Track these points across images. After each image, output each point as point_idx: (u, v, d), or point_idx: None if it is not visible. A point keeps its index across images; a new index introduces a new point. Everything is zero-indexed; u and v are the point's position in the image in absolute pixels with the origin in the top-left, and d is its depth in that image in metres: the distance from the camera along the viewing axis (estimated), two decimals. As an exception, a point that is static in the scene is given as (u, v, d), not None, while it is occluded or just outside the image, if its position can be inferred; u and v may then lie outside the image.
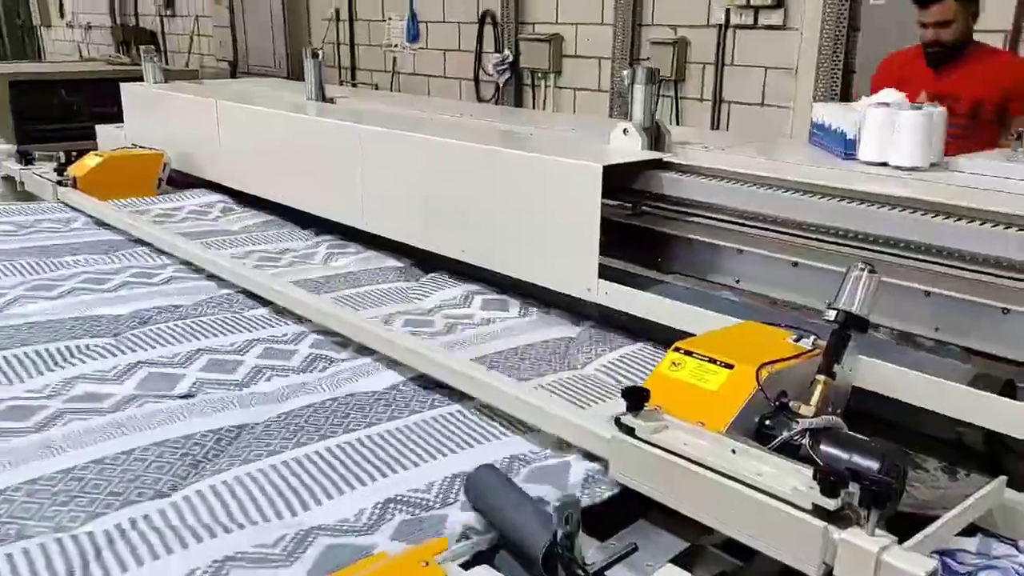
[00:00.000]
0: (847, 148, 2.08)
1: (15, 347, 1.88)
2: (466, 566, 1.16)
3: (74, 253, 2.61)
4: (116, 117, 4.16)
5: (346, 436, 1.56)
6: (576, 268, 2.04)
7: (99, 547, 1.19)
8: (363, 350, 1.98)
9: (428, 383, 1.80)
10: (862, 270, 1.44)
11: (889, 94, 2.10)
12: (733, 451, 1.25)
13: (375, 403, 1.71)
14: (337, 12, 8.57)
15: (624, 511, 1.37)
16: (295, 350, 1.97)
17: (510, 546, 1.21)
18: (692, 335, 1.63)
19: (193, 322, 2.09)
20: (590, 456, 1.46)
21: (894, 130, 1.98)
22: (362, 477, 1.43)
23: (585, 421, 1.50)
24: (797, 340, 1.51)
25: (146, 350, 1.91)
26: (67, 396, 1.69)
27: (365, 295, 2.33)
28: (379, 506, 1.32)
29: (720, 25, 5.19)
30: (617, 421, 1.37)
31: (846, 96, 4.46)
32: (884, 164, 2.00)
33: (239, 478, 1.39)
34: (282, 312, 2.20)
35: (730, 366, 1.41)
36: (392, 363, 1.89)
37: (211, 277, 2.45)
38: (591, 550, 1.25)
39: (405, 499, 1.34)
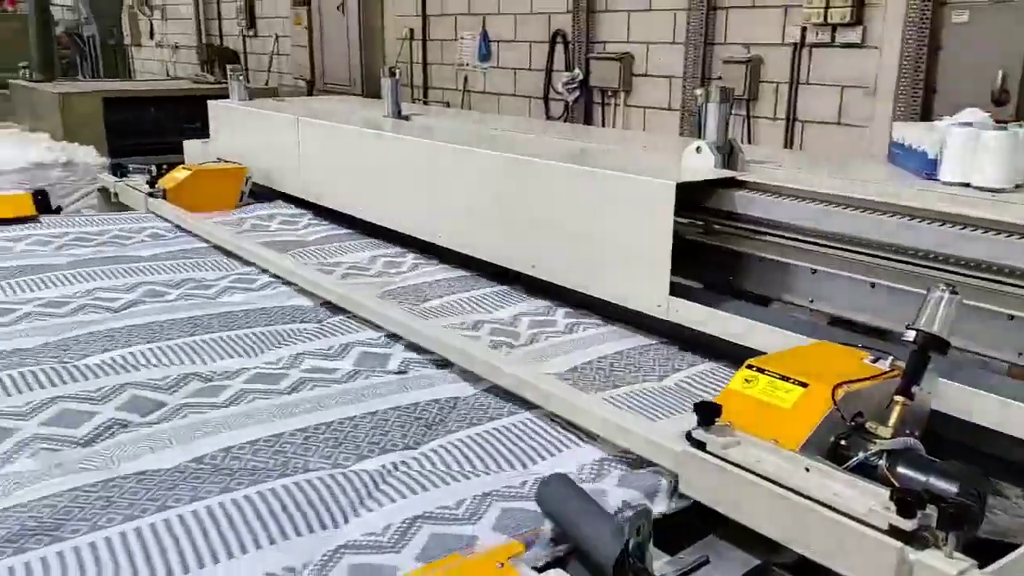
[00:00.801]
0: (928, 168, 2.05)
1: (241, 328, 2.17)
2: (540, 570, 1.18)
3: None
4: (201, 132, 4.35)
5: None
6: (647, 285, 2.06)
7: (375, 480, 1.44)
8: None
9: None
10: (943, 291, 1.41)
11: (972, 113, 2.07)
12: (807, 469, 1.25)
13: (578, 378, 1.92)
14: (411, 32, 8.77)
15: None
16: (477, 336, 2.18)
17: (581, 554, 1.23)
18: (762, 354, 1.63)
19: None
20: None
21: (977, 150, 1.94)
22: (576, 440, 1.63)
23: (654, 434, 1.51)
24: (874, 361, 1.50)
25: (350, 333, 2.16)
26: (301, 368, 1.95)
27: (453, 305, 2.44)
28: (596, 463, 1.54)
29: (795, 43, 5.14)
30: (688, 436, 1.38)
31: (927, 115, 4.36)
32: (966, 185, 1.96)
33: (471, 436, 1.64)
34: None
35: (804, 384, 1.40)
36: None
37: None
38: (660, 563, 1.26)
39: (620, 458, 1.54)
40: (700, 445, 1.36)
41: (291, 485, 1.41)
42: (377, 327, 2.19)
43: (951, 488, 1.21)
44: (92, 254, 2.80)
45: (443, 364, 1.99)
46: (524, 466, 1.56)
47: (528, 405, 1.77)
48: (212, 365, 1.97)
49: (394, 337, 2.13)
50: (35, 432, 1.60)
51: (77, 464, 1.51)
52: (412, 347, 2.07)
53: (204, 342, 2.08)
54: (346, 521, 1.33)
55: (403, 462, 1.53)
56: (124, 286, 2.49)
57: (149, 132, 6.63)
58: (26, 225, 3.03)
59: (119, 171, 3.84)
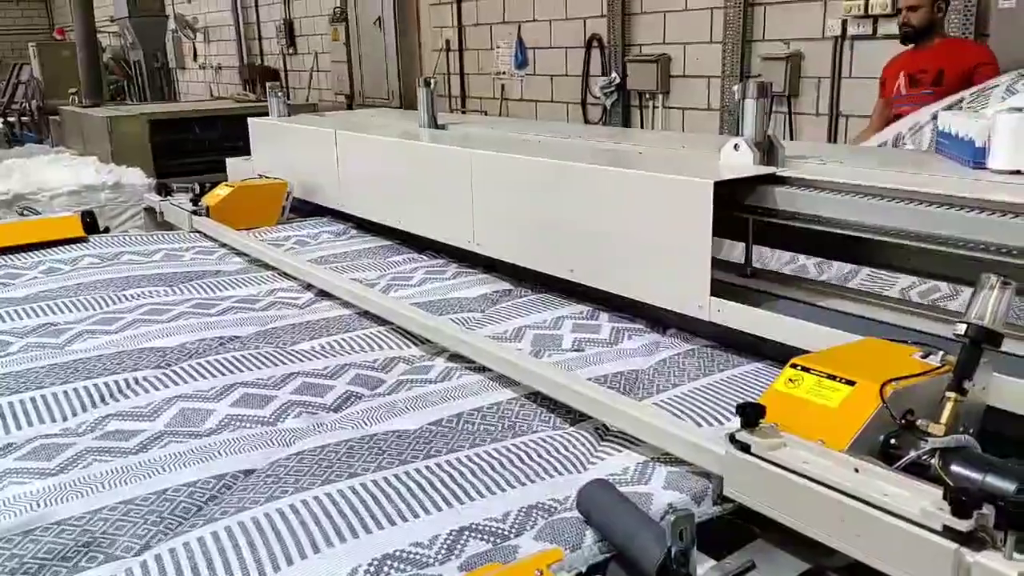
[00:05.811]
0: (976, 157, 1.98)
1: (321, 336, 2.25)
2: (580, 577, 1.17)
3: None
4: (244, 150, 4.42)
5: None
6: (688, 286, 2.02)
7: (387, 493, 1.45)
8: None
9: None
10: (995, 282, 1.36)
11: (1021, 99, 2.00)
12: (856, 470, 1.21)
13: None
14: (447, 43, 8.83)
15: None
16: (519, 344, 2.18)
17: (623, 560, 1.21)
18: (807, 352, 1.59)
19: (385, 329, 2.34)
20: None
21: (1027, 136, 1.87)
22: (618, 445, 1.63)
23: (697, 437, 1.48)
24: (924, 357, 1.45)
25: (351, 354, 2.15)
26: (292, 387, 1.95)
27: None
28: (640, 465, 1.54)
29: (836, 37, 5.05)
30: (731, 438, 1.35)
31: (974, 104, 4.24)
32: (1018, 172, 1.89)
33: (515, 445, 1.64)
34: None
35: (852, 383, 1.36)
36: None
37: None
38: (705, 568, 1.23)
39: (665, 460, 1.55)
40: (744, 447, 1.32)
41: (334, 492, 1.43)
42: (380, 347, 2.20)
43: (1008, 487, 1.16)
44: (140, 271, 2.86)
45: (439, 380, 1.98)
46: (569, 472, 1.54)
47: (571, 411, 1.75)
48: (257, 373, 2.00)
49: (393, 361, 2.12)
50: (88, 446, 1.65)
51: (125, 477, 1.54)
52: (413, 371, 2.06)
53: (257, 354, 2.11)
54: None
55: (417, 470, 1.54)
56: (173, 302, 2.54)
57: (194, 152, 6.78)
58: (76, 246, 3.11)
59: (164, 191, 3.92)
